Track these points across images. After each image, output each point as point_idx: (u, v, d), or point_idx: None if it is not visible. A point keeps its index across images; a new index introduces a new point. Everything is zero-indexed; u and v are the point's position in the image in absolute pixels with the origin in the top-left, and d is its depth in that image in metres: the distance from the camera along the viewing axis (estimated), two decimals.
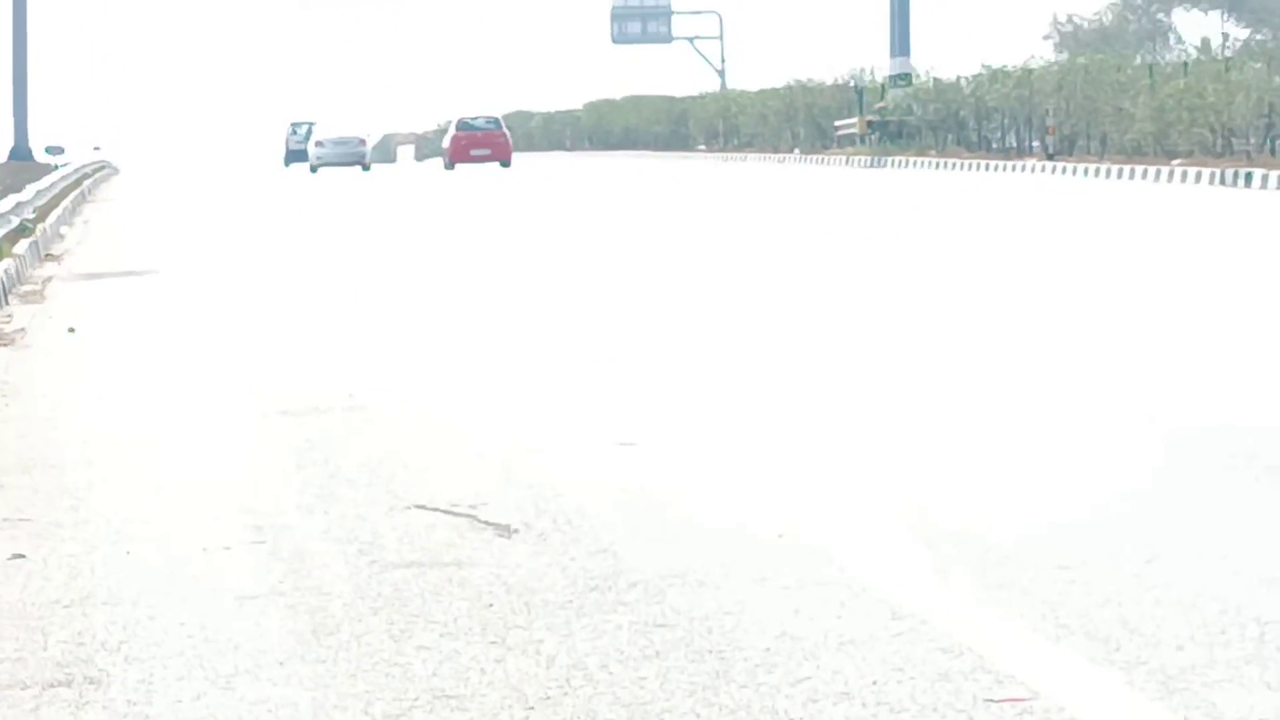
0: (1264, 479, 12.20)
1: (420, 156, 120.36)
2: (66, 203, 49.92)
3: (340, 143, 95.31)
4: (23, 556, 10.92)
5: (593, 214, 46.11)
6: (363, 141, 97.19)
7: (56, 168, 62.30)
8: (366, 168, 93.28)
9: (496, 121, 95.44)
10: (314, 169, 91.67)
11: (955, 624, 8.84)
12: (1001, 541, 10.56)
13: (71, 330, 23.11)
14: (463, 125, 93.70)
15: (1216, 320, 21.48)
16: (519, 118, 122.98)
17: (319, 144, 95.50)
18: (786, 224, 40.25)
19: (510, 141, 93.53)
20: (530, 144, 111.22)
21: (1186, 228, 36.11)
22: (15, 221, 35.02)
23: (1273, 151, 50.81)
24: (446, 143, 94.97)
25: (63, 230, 42.70)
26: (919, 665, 8.23)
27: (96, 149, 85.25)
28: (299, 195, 59.41)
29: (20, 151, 67.17)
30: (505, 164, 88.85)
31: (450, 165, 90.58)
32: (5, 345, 21.78)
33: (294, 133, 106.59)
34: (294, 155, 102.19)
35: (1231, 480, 12.26)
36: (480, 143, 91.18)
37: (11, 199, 36.60)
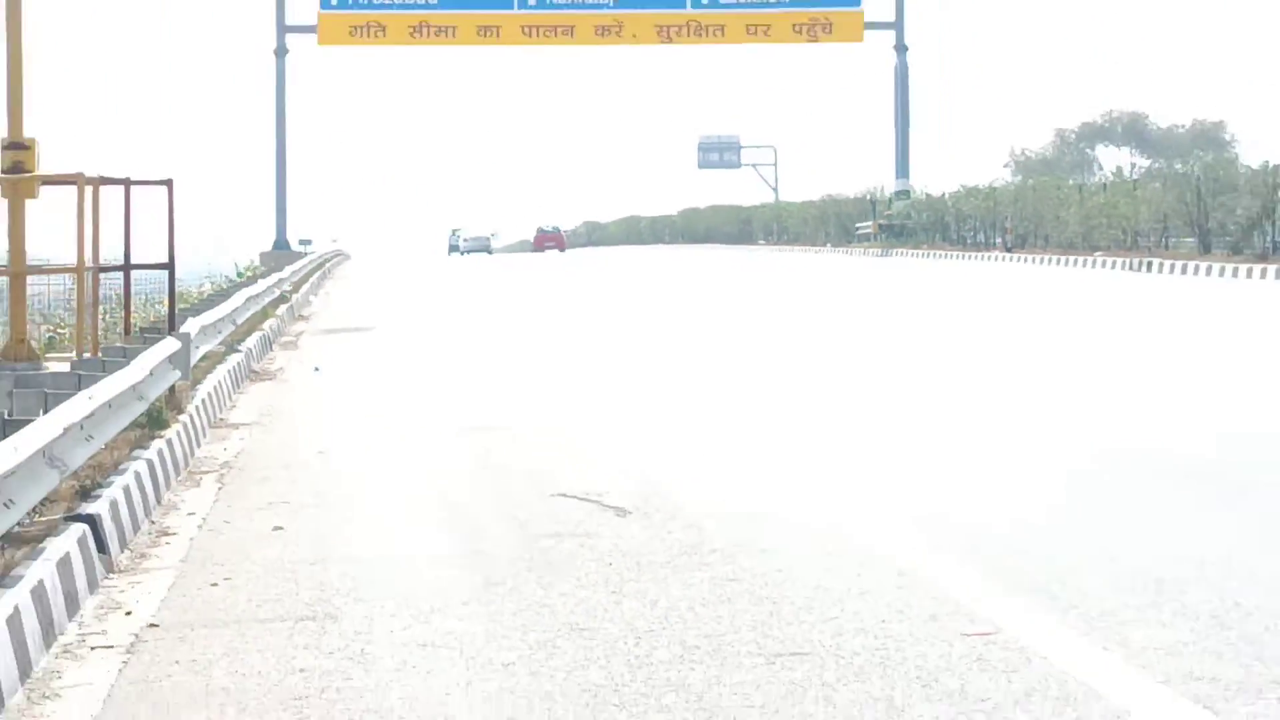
0: (1185, 484, 11.72)
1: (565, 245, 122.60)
2: (313, 279, 49.91)
3: (476, 239, 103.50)
4: (281, 528, 10.95)
5: (684, 287, 44.50)
6: (488, 238, 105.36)
7: (306, 254, 62.06)
8: (490, 252, 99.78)
9: (557, 228, 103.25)
10: (462, 254, 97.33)
11: (943, 579, 8.59)
12: (985, 524, 10.24)
13: (316, 369, 22.78)
14: (540, 231, 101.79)
15: (1134, 366, 20.15)
16: (631, 221, 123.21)
17: (465, 240, 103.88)
18: (823, 295, 39.08)
19: (565, 239, 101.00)
20: (640, 239, 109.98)
21: (1106, 301, 34.04)
22: (277, 293, 35.46)
23: (1166, 246, 48.62)
24: (532, 238, 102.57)
25: (310, 299, 42.81)
26: (915, 609, 8.05)
27: (334, 240, 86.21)
28: (462, 275, 58.85)
29: (280, 243, 66.73)
30: (561, 250, 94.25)
31: (535, 250, 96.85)
32: (270, 380, 21.56)
33: (452, 235, 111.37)
34: (452, 249, 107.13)
35: (1159, 485, 11.82)
36: (549, 239, 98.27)
37: (274, 276, 37.23)
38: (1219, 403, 16.62)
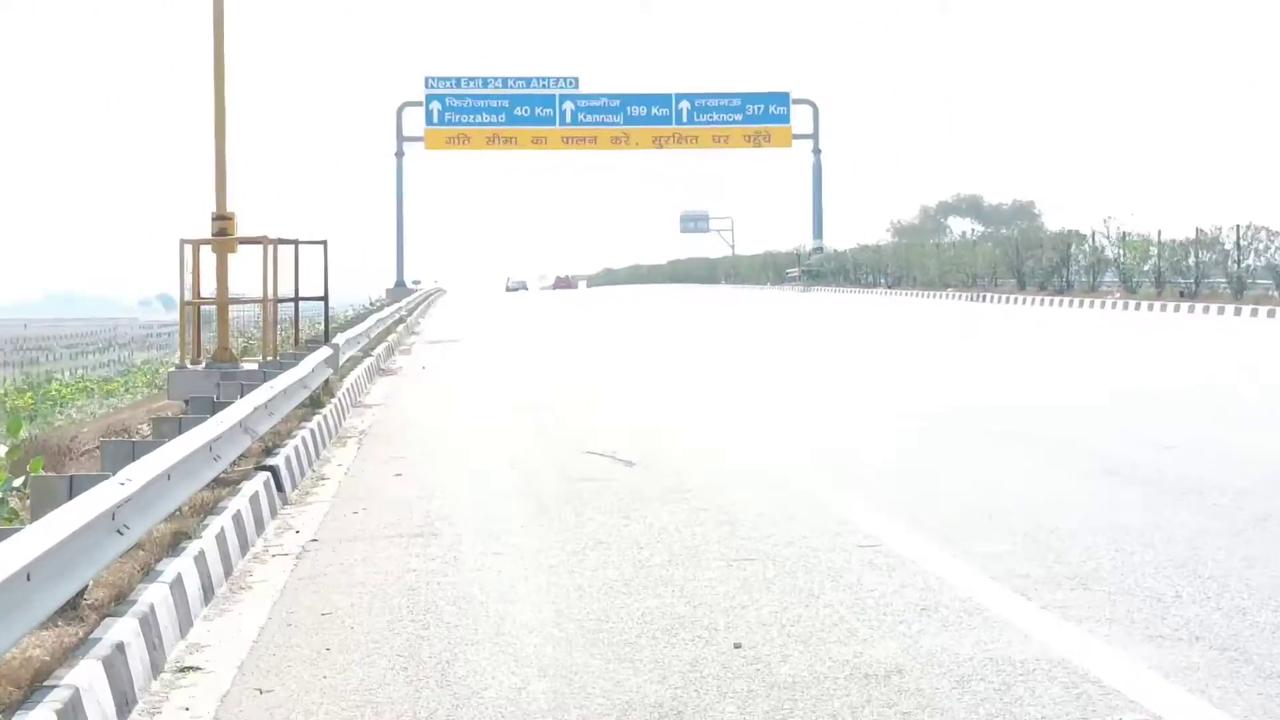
0: (994, 440, 12.40)
1: (589, 285, 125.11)
2: (421, 306, 50.98)
3: (519, 282, 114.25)
4: (400, 475, 11.41)
5: (664, 307, 45.65)
6: (524, 282, 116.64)
7: (416, 290, 65.23)
8: (526, 289, 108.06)
9: (570, 278, 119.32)
10: (510, 290, 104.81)
11: (840, 505, 9.12)
12: (865, 469, 10.82)
13: (424, 367, 23.75)
14: (558, 278, 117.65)
15: (966, 360, 21.25)
16: (635, 268, 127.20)
17: (512, 282, 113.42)
18: (760, 309, 40.17)
19: (574, 283, 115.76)
20: (641, 279, 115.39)
21: (953, 319, 36.31)
22: (397, 316, 36.14)
23: (994, 285, 52.51)
24: (551, 283, 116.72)
25: (420, 321, 43.52)
26: (825, 529, 8.53)
27: (435, 280, 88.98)
28: (515, 304, 61.54)
29: (399, 283, 69.58)
30: (572, 288, 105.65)
31: (556, 288, 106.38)
32: (392, 375, 22.37)
33: (507, 280, 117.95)
34: (507, 288, 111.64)
35: (976, 439, 12.49)
36: (564, 284, 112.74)
37: (394, 306, 38.16)
38: (1025, 384, 16.99)
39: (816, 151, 71.20)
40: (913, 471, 10.83)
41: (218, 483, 9.53)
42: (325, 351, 16.26)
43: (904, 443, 12.56)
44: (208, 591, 7.47)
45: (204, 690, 5.94)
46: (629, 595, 7.19)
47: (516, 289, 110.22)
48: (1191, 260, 42.55)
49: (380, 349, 25.41)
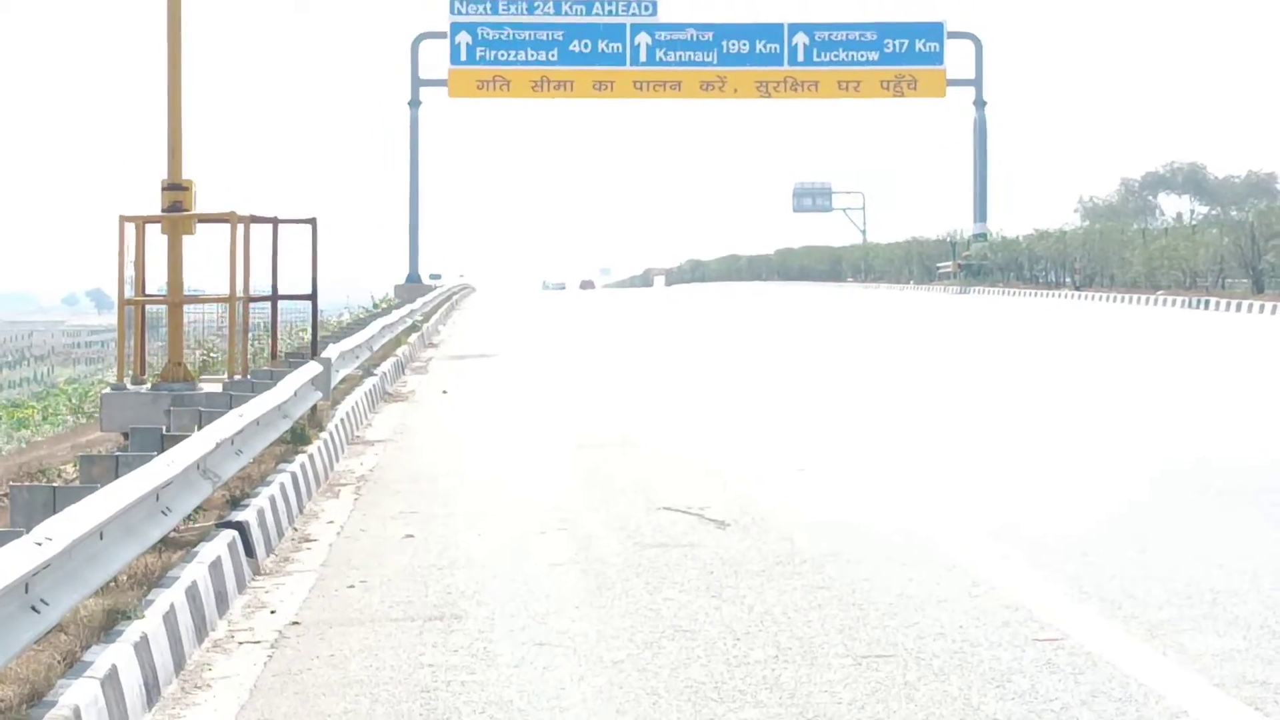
0: (1220, 500, 12.58)
1: (669, 283, 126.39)
2: (441, 310, 51.38)
3: (556, 284, 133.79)
4: (411, 536, 11.61)
5: (766, 311, 46.28)
6: (563, 283, 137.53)
7: (435, 287, 65.33)
8: (564, 288, 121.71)
9: (591, 281, 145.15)
10: (546, 288, 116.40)
11: (1015, 592, 9.23)
12: (1043, 537, 10.96)
13: (444, 392, 24.04)
14: (582, 281, 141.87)
15: (1192, 394, 21.49)
16: (731, 259, 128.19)
17: (547, 285, 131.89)
18: (899, 317, 40.79)
19: (595, 285, 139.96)
20: (739, 275, 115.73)
21: (1165, 335, 36.56)
22: (409, 322, 36.50)
23: (1222, 286, 52.62)
24: (579, 285, 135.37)
25: (439, 328, 43.93)
26: (989, 615, 8.67)
27: (461, 275, 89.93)
28: (559, 308, 62.03)
29: (412, 277, 70.08)
30: (592, 289, 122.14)
31: (580, 289, 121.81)
32: (402, 401, 22.71)
33: (543, 282, 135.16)
34: (546, 288, 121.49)
35: (1197, 499, 12.66)
36: (587, 285, 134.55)
37: (406, 308, 38.38)
38: (1268, 428, 17.25)
39: (980, 104, 71.38)
40: (1112, 541, 10.95)
41: (167, 544, 9.71)
42: (313, 369, 16.46)
43: (1100, 503, 12.71)
44: (151, 691, 7.57)
45: None
46: (720, 703, 7.32)
47: (552, 288, 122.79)
48: None
49: (387, 366, 25.76)
